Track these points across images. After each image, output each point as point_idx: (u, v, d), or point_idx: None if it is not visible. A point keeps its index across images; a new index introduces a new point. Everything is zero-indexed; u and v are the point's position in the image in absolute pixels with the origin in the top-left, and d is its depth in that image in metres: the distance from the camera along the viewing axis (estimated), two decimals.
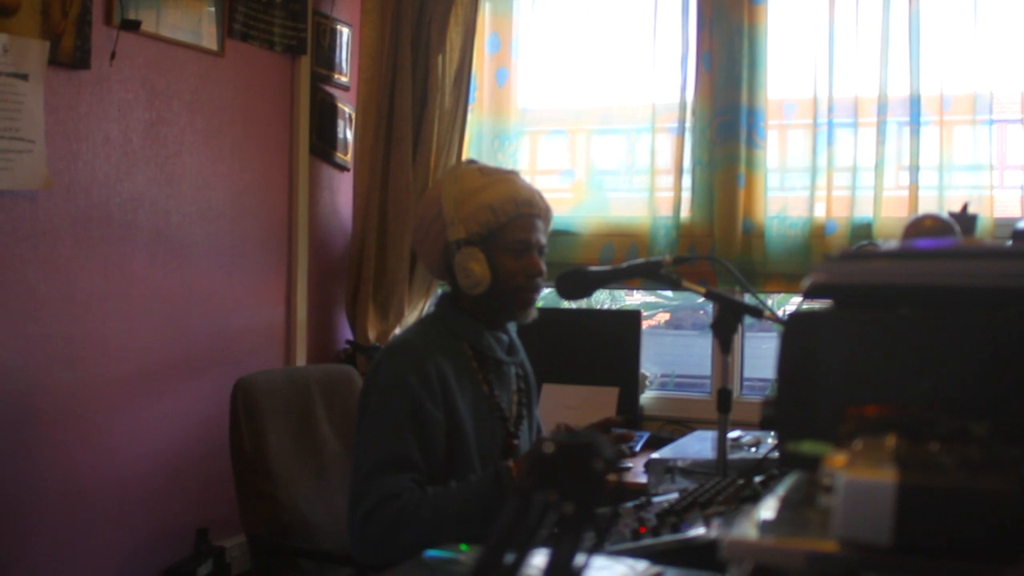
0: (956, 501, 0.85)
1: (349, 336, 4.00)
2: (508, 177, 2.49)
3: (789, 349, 1.20)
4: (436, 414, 2.32)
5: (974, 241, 1.41)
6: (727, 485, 2.03)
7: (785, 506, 1.07)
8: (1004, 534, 0.83)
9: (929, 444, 0.97)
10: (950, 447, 0.95)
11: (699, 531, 1.72)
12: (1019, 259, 1.14)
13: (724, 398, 2.31)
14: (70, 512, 3.00)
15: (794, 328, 1.20)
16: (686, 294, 4.72)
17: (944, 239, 1.53)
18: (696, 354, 4.14)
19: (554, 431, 2.05)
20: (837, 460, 0.96)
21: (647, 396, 3.83)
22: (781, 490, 1.14)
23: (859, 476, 0.88)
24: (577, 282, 2.49)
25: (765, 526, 0.99)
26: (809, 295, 1.23)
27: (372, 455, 2.30)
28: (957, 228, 1.71)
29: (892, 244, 1.31)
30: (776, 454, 2.22)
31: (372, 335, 3.86)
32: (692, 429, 3.33)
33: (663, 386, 4.03)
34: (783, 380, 1.19)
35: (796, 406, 1.17)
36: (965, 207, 2.03)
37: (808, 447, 1.07)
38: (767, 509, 1.06)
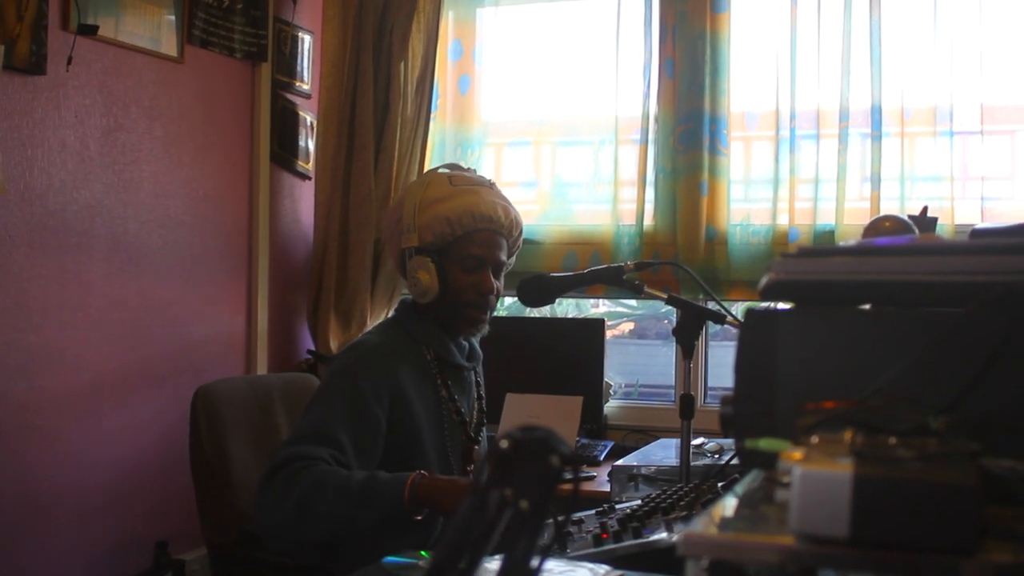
0: (912, 492, 0.84)
1: (311, 346, 3.96)
2: (475, 189, 2.44)
3: (747, 347, 1.19)
4: (376, 412, 2.28)
5: (932, 238, 1.41)
6: (690, 491, 2.03)
7: (743, 503, 1.06)
8: (960, 525, 0.83)
9: (887, 438, 0.96)
10: (908, 441, 0.94)
11: (661, 535, 1.71)
12: (977, 254, 1.13)
13: (686, 404, 2.31)
14: (26, 525, 2.95)
15: (752, 325, 1.19)
16: (650, 303, 4.73)
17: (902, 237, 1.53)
18: (660, 363, 4.13)
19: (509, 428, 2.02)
20: (794, 454, 0.95)
21: (611, 405, 3.82)
22: (738, 489, 1.13)
23: (815, 468, 0.87)
24: (539, 289, 2.48)
25: (723, 523, 0.98)
26: (767, 294, 1.22)
27: (299, 428, 2.26)
28: (916, 230, 1.71)
29: (851, 242, 1.30)
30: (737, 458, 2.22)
31: (334, 344, 3.83)
32: (656, 438, 3.32)
33: (627, 395, 4.02)
34: (741, 378, 1.18)
35: (754, 404, 1.16)
36: (925, 210, 2.04)
37: (766, 444, 1.06)
38: (726, 508, 1.05)
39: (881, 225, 1.70)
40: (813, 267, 1.19)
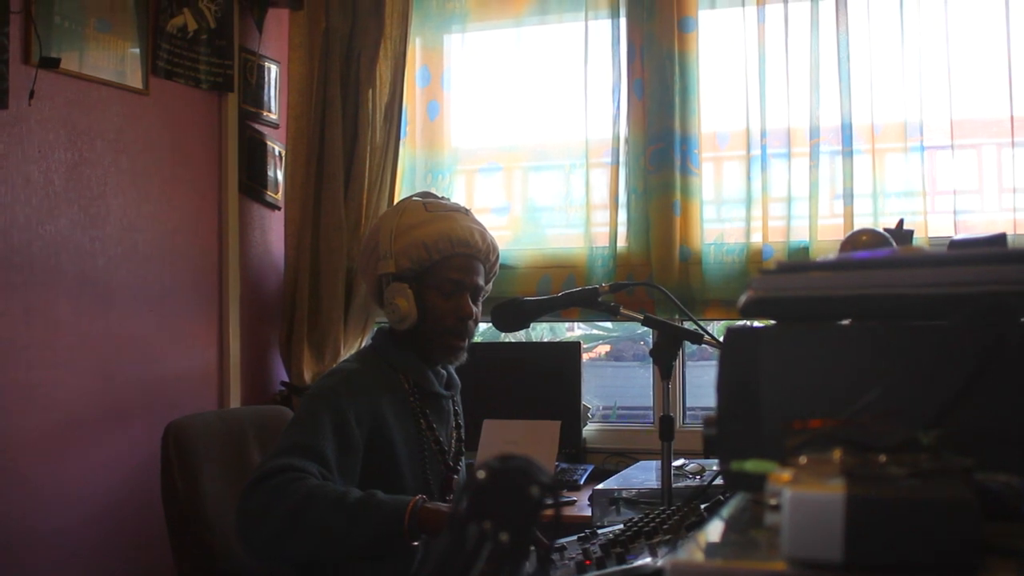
0: (907, 512, 0.81)
1: (284, 377, 3.91)
2: (451, 215, 2.45)
3: (729, 367, 1.16)
4: (357, 437, 2.24)
5: (913, 249, 1.39)
6: (672, 514, 2.00)
7: (730, 528, 1.02)
8: (961, 544, 0.80)
9: (877, 456, 0.93)
10: (898, 458, 0.92)
11: (645, 560, 1.68)
12: (961, 265, 1.11)
13: (666, 426, 2.29)
14: None
15: (733, 345, 1.16)
16: (626, 325, 4.71)
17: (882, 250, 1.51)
18: (638, 385, 4.10)
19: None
20: (782, 476, 0.92)
21: (589, 429, 3.79)
22: (724, 513, 1.10)
23: (805, 490, 0.84)
24: (513, 313, 2.45)
25: (711, 549, 0.95)
26: (747, 311, 1.19)
27: (285, 443, 2.19)
28: (894, 243, 1.69)
29: (830, 256, 1.28)
30: (721, 480, 2.19)
31: (307, 376, 3.78)
32: (636, 460, 3.29)
33: (605, 418, 3.99)
34: (724, 399, 1.16)
35: (738, 425, 1.13)
36: (900, 223, 2.03)
37: (753, 466, 1.03)
38: (712, 532, 1.02)
39: (858, 239, 1.68)
40: (794, 283, 1.17)
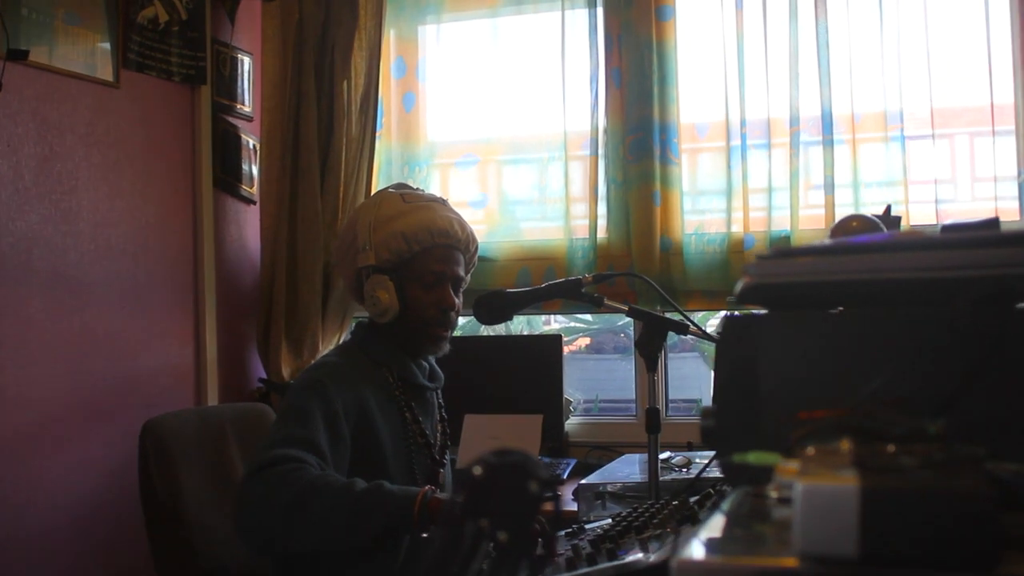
0: (924, 503, 0.78)
1: (262, 374, 3.86)
2: (429, 206, 2.42)
3: (726, 356, 1.13)
4: (345, 430, 2.20)
5: (912, 233, 1.36)
6: (661, 507, 1.97)
7: (733, 523, 0.99)
8: (979, 537, 0.77)
9: (885, 446, 0.90)
10: (908, 448, 0.89)
11: (637, 556, 1.64)
12: (962, 249, 1.08)
13: (652, 418, 2.26)
14: None
15: (731, 334, 1.13)
16: (606, 317, 4.68)
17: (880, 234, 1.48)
18: (619, 378, 4.08)
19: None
20: (790, 468, 0.89)
21: (572, 422, 3.75)
22: (725, 507, 1.07)
23: (818, 483, 0.80)
24: (496, 305, 2.41)
25: (715, 545, 0.91)
26: (743, 298, 1.16)
27: (280, 434, 2.14)
28: (884, 228, 1.67)
29: (824, 242, 1.25)
30: (709, 473, 2.16)
31: (286, 372, 3.73)
32: (619, 454, 3.26)
33: (587, 411, 3.96)
34: (722, 390, 1.12)
35: (737, 416, 1.10)
36: (888, 209, 2.00)
37: (755, 458, 1.00)
38: (714, 527, 0.99)
39: (849, 225, 1.66)
40: (791, 268, 1.13)
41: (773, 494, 1.02)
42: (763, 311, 1.16)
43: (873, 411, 0.96)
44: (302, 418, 2.16)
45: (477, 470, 0.88)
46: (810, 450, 0.90)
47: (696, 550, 0.88)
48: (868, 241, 1.14)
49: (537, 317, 4.44)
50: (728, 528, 0.97)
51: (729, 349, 1.13)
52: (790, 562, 0.81)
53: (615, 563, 1.62)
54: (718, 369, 1.13)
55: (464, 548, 0.87)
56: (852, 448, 0.89)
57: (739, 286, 1.15)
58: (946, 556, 0.77)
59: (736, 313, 1.15)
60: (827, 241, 1.21)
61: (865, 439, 0.92)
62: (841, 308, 1.17)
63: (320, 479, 2.02)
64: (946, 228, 1.44)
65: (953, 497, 0.77)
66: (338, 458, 2.18)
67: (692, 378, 4.43)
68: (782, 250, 1.14)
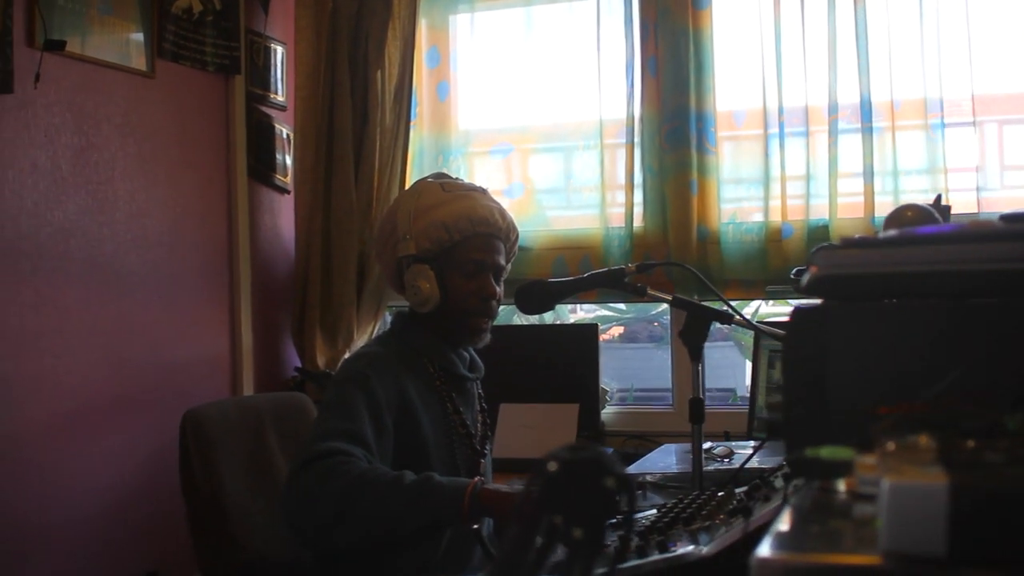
0: (1017, 502, 0.76)
1: (297, 363, 3.86)
2: (469, 194, 2.40)
3: (795, 348, 1.11)
4: (388, 422, 2.19)
5: (982, 223, 1.33)
6: (708, 499, 1.94)
7: (805, 519, 0.97)
8: None
9: (965, 441, 0.88)
10: (990, 443, 0.87)
11: (688, 548, 1.62)
12: None
13: (696, 408, 2.24)
14: (10, 560, 2.83)
15: (800, 325, 1.11)
16: (640, 306, 4.66)
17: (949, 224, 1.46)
18: (654, 367, 4.06)
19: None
20: (870, 464, 0.87)
21: (608, 411, 3.74)
22: (793, 503, 1.05)
23: (905, 480, 0.78)
24: (537, 295, 2.40)
25: (791, 542, 0.90)
26: (811, 290, 1.14)
27: (325, 427, 2.13)
28: (939, 218, 1.64)
29: (890, 233, 1.22)
30: (751, 464, 2.14)
31: (321, 361, 3.73)
32: (656, 443, 3.25)
33: (623, 400, 3.94)
34: (791, 383, 1.10)
35: (807, 409, 1.08)
36: (939, 199, 1.97)
37: (828, 452, 0.98)
38: (783, 523, 0.97)
39: (904, 215, 1.63)
40: (860, 259, 1.11)
41: (843, 489, 1.00)
42: (833, 302, 1.14)
43: (951, 406, 0.94)
44: (347, 410, 2.15)
45: (552, 465, 0.87)
46: (890, 445, 0.88)
47: (771, 547, 0.87)
48: (938, 232, 1.12)
49: (563, 306, 4.40)
50: (800, 524, 0.95)
51: (799, 340, 1.11)
52: (874, 560, 0.79)
53: (667, 555, 1.60)
54: (787, 361, 1.11)
55: (537, 544, 0.85)
56: (933, 444, 0.87)
57: (806, 277, 1.13)
58: None
59: (805, 305, 1.13)
60: (893, 232, 1.18)
61: (944, 434, 0.90)
62: (919, 299, 1.14)
63: (369, 471, 2.01)
64: (1004, 218, 1.41)
65: None
66: (383, 450, 2.17)
67: (726, 367, 4.41)
68: (850, 240, 1.12)
